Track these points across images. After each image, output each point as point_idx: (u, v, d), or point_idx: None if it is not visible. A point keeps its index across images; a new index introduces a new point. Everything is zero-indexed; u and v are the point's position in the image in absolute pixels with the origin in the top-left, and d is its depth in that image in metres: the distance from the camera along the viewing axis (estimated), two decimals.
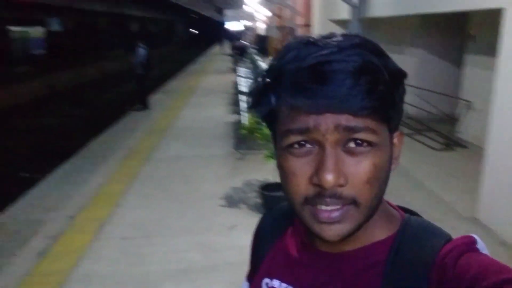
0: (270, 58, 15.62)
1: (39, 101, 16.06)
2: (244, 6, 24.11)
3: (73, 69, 22.04)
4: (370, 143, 0.56)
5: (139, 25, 41.89)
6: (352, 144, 0.55)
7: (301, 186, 0.57)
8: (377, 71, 0.54)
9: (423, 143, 6.98)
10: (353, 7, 7.47)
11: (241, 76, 11.79)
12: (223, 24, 34.11)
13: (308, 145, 0.57)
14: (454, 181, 5.37)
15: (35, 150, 9.68)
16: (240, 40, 25.30)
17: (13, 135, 11.13)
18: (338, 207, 0.56)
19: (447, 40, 8.24)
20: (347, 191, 0.55)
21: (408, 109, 8.25)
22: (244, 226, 4.26)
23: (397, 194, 4.61)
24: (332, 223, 0.56)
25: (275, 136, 0.62)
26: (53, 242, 4.03)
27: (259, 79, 0.62)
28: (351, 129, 0.54)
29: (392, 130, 0.61)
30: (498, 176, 4.04)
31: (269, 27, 25.89)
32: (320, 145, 0.56)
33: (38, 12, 21.54)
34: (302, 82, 0.54)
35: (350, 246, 0.64)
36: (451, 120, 7.48)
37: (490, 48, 5.98)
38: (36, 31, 24.34)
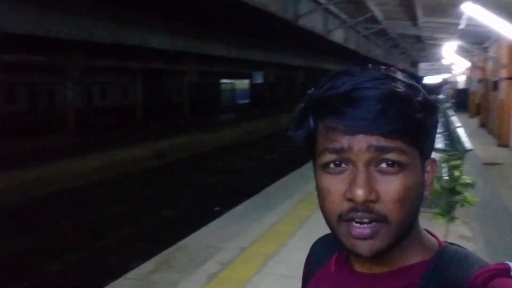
0: (469, 114, 14.30)
1: (237, 145, 18.00)
2: (442, 60, 22.98)
3: (269, 118, 24.05)
4: (400, 165, 0.60)
5: None
6: (383, 165, 0.60)
7: (336, 203, 0.62)
8: (406, 99, 0.60)
9: None
10: None
11: None
12: (420, 77, 33.00)
13: (343, 165, 0.62)
14: None
15: (228, 188, 10.85)
16: (437, 94, 24.02)
17: (214, 174, 12.70)
18: (370, 224, 0.59)
19: None
20: (378, 207, 0.59)
21: None
22: None
23: None
24: (365, 239, 0.60)
25: (314, 157, 0.67)
26: (223, 268, 4.44)
27: (300, 105, 0.69)
28: (382, 149, 0.59)
29: (424, 156, 0.64)
30: None
31: (469, 80, 24.03)
32: (354, 165, 0.61)
33: (243, 66, 24.31)
34: (337, 106, 0.60)
35: (383, 268, 0.66)
36: None
37: None
38: (242, 83, 27.47)
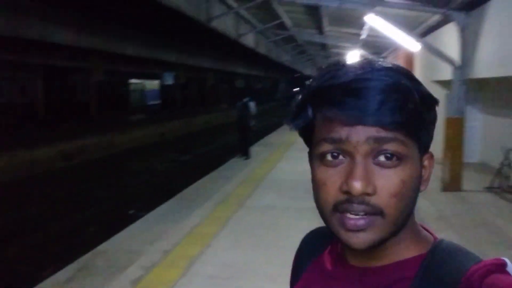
0: None
1: (150, 147, 17.53)
2: None
3: (181, 119, 23.72)
4: (399, 157, 0.59)
5: (244, 81, 44.34)
6: (382, 158, 0.59)
7: (331, 195, 0.60)
8: (407, 91, 0.59)
9: None
10: (456, 68, 7.29)
11: None
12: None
13: (340, 157, 0.60)
14: None
15: (143, 190, 10.52)
16: None
17: (127, 176, 12.23)
18: (365, 216, 0.58)
19: None
20: (374, 200, 0.58)
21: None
22: None
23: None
24: (358, 231, 0.59)
25: (311, 149, 0.66)
26: (147, 273, 4.32)
27: (299, 96, 0.67)
28: (381, 140, 0.58)
29: (422, 151, 0.64)
30: None
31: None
32: (351, 157, 0.59)
33: (154, 67, 23.73)
34: (337, 96, 0.59)
35: (379, 262, 0.65)
36: None
37: None
38: (152, 84, 26.73)
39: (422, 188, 0.65)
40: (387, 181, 0.59)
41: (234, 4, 12.70)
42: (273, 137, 16.21)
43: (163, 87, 27.81)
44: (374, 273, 0.65)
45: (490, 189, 7.44)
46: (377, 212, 0.58)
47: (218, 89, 38.53)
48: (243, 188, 8.06)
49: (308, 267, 0.79)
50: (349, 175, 0.58)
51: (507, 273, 0.57)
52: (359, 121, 0.58)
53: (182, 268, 4.42)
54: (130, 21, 15.81)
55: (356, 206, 0.58)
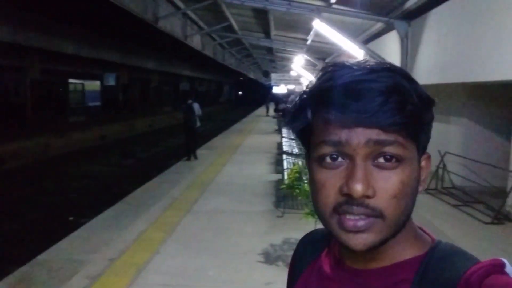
0: None
1: (90, 150, 16.82)
2: (291, 72, 24.88)
3: (123, 122, 23.03)
4: (398, 159, 0.59)
5: (189, 84, 43.89)
6: (381, 160, 0.59)
7: (331, 197, 0.60)
8: (407, 92, 0.59)
9: (471, 215, 6.72)
10: None
11: (284, 137, 11.99)
12: (269, 87, 35.15)
13: (339, 159, 0.60)
14: (506, 257, 5.08)
15: (84, 196, 10.04)
16: (286, 103, 25.83)
17: (66, 180, 11.63)
18: (364, 217, 0.58)
19: (496, 112, 8.12)
20: (374, 202, 0.58)
21: (454, 179, 8.04)
22: (280, 283, 4.17)
23: None
24: (358, 232, 0.58)
25: (309, 151, 0.66)
26: (92, 282, 4.09)
27: (298, 97, 0.67)
28: (381, 143, 0.58)
29: (420, 152, 0.64)
30: None
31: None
32: (351, 159, 0.59)
33: (95, 67, 22.92)
34: (336, 98, 0.59)
35: (378, 264, 0.65)
36: (501, 193, 7.20)
37: None
38: (93, 85, 25.77)
39: (420, 189, 0.64)
40: (386, 183, 0.58)
41: (182, 5, 12.52)
42: (219, 141, 16.10)
43: (104, 88, 26.87)
44: (373, 275, 0.65)
45: (427, 190, 7.80)
46: (376, 214, 0.58)
47: (162, 91, 37.83)
48: (190, 192, 7.91)
49: (305, 269, 0.78)
50: (349, 178, 0.58)
51: (506, 273, 0.57)
52: (359, 122, 0.58)
53: (129, 277, 4.24)
54: (70, 17, 15.14)
55: (356, 209, 0.58)
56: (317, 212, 0.64)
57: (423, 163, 0.65)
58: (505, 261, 0.59)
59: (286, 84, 26.05)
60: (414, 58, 7.65)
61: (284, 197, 6.70)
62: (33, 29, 14.46)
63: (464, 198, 7.44)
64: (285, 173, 6.74)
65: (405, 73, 0.62)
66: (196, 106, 11.41)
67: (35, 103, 19.49)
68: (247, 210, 6.81)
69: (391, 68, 0.62)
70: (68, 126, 19.16)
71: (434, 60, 6.96)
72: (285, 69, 29.73)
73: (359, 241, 0.59)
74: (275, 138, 15.73)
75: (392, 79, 0.59)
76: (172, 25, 12.74)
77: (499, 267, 0.57)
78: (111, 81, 26.72)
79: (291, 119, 0.67)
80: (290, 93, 32.72)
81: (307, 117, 0.63)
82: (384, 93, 0.57)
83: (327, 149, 0.60)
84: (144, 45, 22.92)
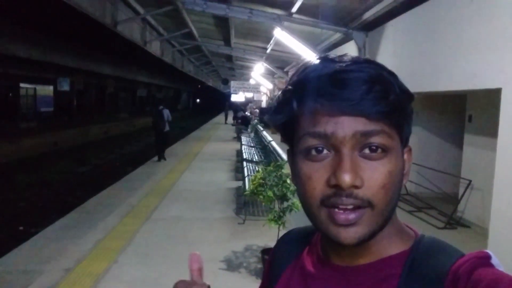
0: (271, 130, 15.92)
1: (42, 157, 16.16)
2: (250, 80, 24.99)
3: (78, 128, 22.33)
4: (384, 149, 0.59)
5: (146, 90, 43.15)
6: (367, 151, 0.59)
7: (318, 189, 0.59)
8: (389, 82, 0.60)
9: (424, 221, 6.95)
10: None
11: (244, 145, 12.02)
12: (228, 94, 35.17)
13: (325, 151, 0.60)
14: None
15: (35, 204, 9.60)
16: (244, 112, 25.91)
17: (16, 189, 11.08)
18: (354, 209, 0.58)
19: (447, 120, 8.49)
20: (363, 192, 0.57)
21: (409, 186, 8.31)
22: None
23: None
24: (349, 225, 0.58)
25: (292, 145, 0.65)
26: None
27: (282, 91, 0.67)
28: (367, 134, 0.58)
29: (403, 144, 0.64)
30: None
31: (270, 100, 26.68)
32: (337, 150, 0.59)
33: (48, 71, 22.12)
34: (322, 87, 0.59)
35: (364, 260, 0.65)
36: (453, 199, 7.51)
37: (489, 128, 6.17)
38: (45, 90, 24.84)
39: (404, 181, 0.65)
40: (374, 173, 0.58)
41: (142, 10, 12.33)
42: (178, 147, 15.89)
43: (57, 93, 25.93)
44: (360, 272, 0.64)
45: None
46: (365, 204, 0.58)
47: (119, 97, 36.99)
48: (149, 200, 7.74)
49: (285, 269, 0.77)
50: (337, 169, 0.58)
51: (492, 265, 0.58)
52: (344, 111, 0.58)
53: (86, 287, 4.07)
54: (22, 19, 14.53)
55: (345, 200, 0.57)
56: (304, 206, 0.63)
57: (405, 155, 0.66)
58: (491, 253, 0.59)
59: (245, 92, 26.11)
60: None
61: (245, 203, 6.69)
62: None
63: (418, 204, 7.70)
64: (246, 180, 6.74)
65: (385, 66, 0.63)
66: (166, 112, 12.21)
67: None
68: (208, 217, 6.73)
69: (371, 61, 0.63)
70: (19, 132, 18.34)
71: None
72: (244, 77, 29.87)
73: (350, 234, 0.58)
74: (234, 145, 15.73)
75: (374, 70, 0.60)
76: (131, 30, 12.50)
77: (485, 259, 0.58)
78: (65, 86, 25.76)
79: (275, 112, 0.66)
80: (248, 101, 32.86)
81: (293, 108, 0.63)
82: (367, 82, 0.58)
83: (312, 142, 0.60)
84: (101, 50, 22.33)
